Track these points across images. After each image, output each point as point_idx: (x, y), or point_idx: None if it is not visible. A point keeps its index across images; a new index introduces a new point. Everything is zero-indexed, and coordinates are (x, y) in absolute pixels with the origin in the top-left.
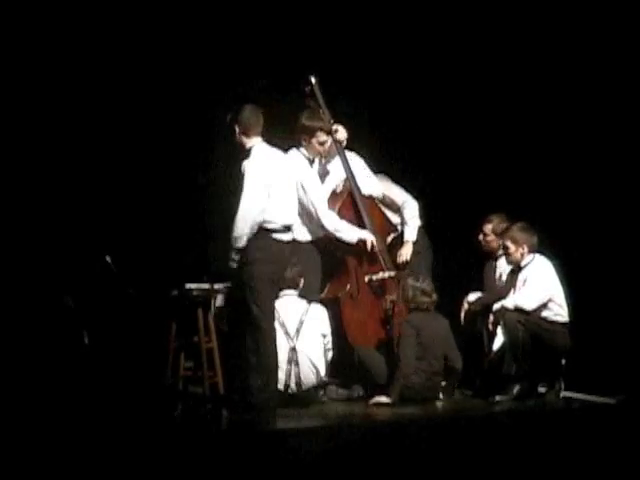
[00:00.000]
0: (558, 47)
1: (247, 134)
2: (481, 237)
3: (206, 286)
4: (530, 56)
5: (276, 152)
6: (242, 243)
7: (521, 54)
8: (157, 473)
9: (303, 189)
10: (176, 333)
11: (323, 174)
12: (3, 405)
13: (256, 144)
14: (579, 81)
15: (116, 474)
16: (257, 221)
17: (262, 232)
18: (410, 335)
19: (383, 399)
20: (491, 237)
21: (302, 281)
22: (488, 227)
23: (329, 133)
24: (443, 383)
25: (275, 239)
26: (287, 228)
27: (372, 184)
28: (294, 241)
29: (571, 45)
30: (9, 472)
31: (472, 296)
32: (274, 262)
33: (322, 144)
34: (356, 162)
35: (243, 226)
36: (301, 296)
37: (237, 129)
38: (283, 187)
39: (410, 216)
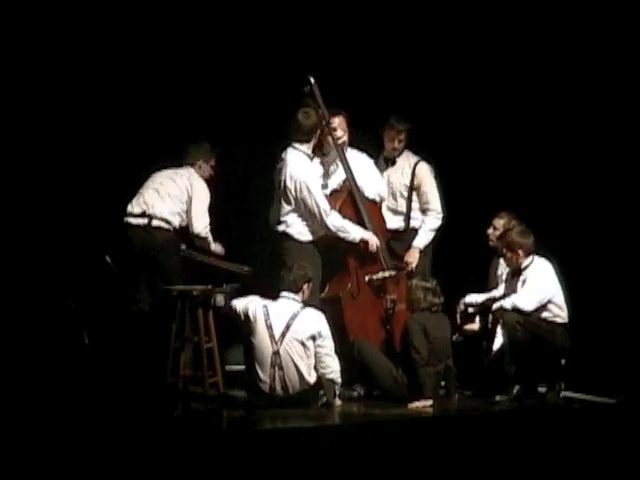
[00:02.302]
0: (559, 48)
1: None
2: (490, 231)
3: (206, 286)
4: (532, 56)
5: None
6: None
7: (522, 55)
8: (157, 473)
9: (308, 189)
10: (176, 333)
11: (324, 175)
12: (3, 405)
13: None
14: (579, 83)
15: (116, 474)
16: None
17: None
18: (418, 331)
19: (424, 402)
20: (500, 232)
21: (306, 287)
22: (500, 222)
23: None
24: (442, 383)
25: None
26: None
27: (373, 187)
28: (294, 241)
29: (571, 47)
30: (9, 472)
31: (469, 298)
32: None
33: (328, 142)
34: (361, 162)
35: None
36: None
37: None
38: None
39: (429, 225)
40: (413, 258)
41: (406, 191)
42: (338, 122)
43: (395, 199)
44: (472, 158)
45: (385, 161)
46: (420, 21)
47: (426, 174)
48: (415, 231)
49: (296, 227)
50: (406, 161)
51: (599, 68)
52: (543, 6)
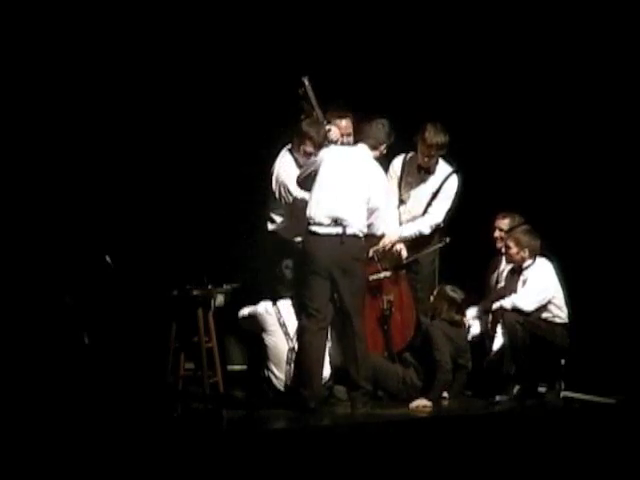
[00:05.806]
0: (559, 49)
1: None
2: (497, 233)
3: (206, 286)
4: (533, 57)
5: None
6: None
7: (522, 55)
8: (157, 473)
9: (288, 191)
10: (176, 333)
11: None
12: (3, 405)
13: None
14: (579, 83)
15: (116, 474)
16: None
17: None
18: (441, 335)
19: (424, 402)
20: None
21: None
22: (504, 222)
23: (318, 147)
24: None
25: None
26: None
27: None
28: (285, 240)
29: (570, 52)
30: (9, 472)
31: (471, 311)
32: None
33: (305, 154)
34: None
35: None
36: None
37: None
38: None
39: (420, 228)
40: (389, 241)
41: (430, 198)
42: (345, 124)
43: (419, 205)
44: (471, 159)
45: (418, 168)
46: (424, 22)
47: (452, 187)
48: (424, 237)
49: (286, 227)
50: (440, 171)
51: (596, 71)
52: (544, 7)
